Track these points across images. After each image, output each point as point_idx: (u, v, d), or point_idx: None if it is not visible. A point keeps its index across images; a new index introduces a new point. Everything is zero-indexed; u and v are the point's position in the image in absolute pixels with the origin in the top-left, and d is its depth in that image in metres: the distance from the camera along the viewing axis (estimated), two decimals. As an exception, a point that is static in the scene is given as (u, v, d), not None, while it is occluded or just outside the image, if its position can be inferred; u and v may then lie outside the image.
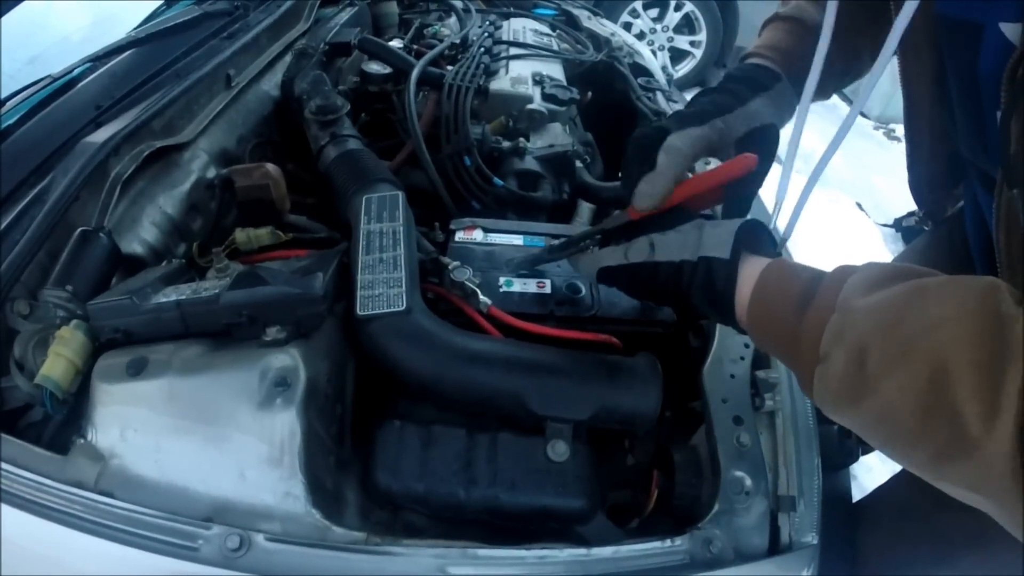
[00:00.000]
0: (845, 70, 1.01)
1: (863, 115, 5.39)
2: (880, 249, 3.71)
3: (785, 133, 0.94)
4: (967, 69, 0.75)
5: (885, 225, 3.90)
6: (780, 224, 0.93)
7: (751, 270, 0.73)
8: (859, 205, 4.18)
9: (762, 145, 0.88)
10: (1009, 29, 0.66)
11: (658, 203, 0.81)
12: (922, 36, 0.84)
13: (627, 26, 5.00)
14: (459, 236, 1.11)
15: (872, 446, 0.64)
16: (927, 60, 0.86)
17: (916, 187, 1.07)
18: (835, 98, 5.60)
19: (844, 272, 0.66)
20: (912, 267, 0.63)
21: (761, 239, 0.78)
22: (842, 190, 4.33)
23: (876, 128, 5.33)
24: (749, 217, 0.79)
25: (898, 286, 0.60)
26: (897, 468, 1.32)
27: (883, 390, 0.56)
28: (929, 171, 1.00)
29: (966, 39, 0.73)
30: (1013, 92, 0.62)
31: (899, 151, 0.95)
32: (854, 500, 1.42)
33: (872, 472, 2.19)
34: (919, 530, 1.16)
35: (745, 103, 0.89)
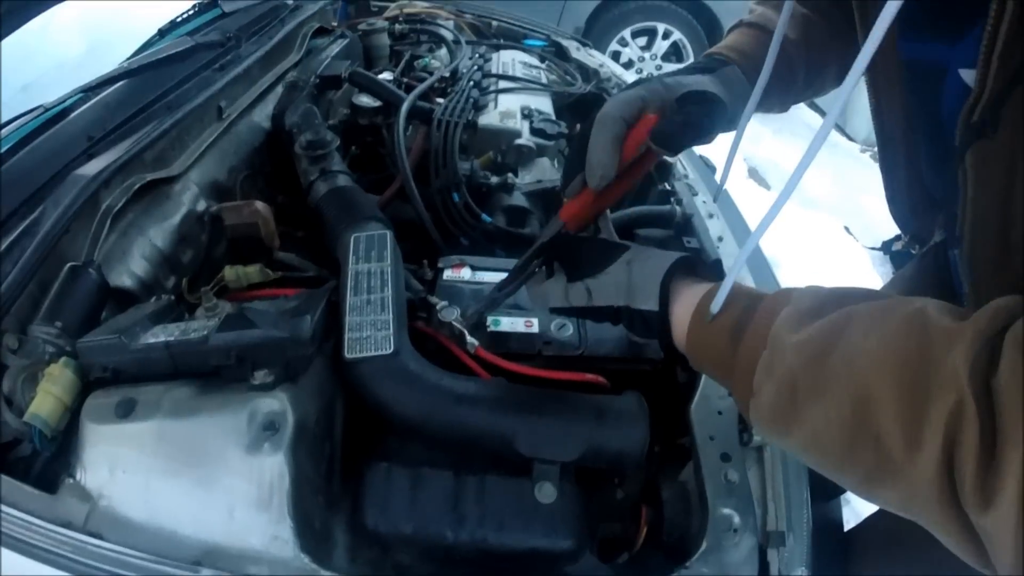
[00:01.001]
0: (807, 82, 1.02)
1: (849, 138, 5.45)
2: (869, 273, 3.74)
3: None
4: (931, 111, 0.78)
5: (873, 248, 3.92)
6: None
7: (688, 299, 0.74)
8: (847, 229, 4.22)
9: (701, 106, 0.84)
10: (968, 75, 0.68)
11: (608, 172, 0.82)
12: (892, 72, 0.85)
13: (616, 55, 5.06)
14: (447, 274, 1.12)
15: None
16: (897, 96, 0.88)
17: (898, 215, 1.08)
18: (817, 118, 5.67)
19: (779, 302, 0.66)
20: (849, 291, 0.64)
21: (697, 264, 0.80)
22: (829, 213, 4.36)
23: (863, 151, 5.39)
24: (678, 253, 0.79)
25: (829, 316, 0.61)
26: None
27: (810, 420, 0.58)
28: (909, 200, 1.02)
29: (929, 82, 0.76)
30: (967, 136, 0.64)
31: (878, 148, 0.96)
32: (847, 528, 1.43)
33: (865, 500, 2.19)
34: (910, 558, 1.17)
35: (687, 75, 0.91)
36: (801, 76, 1.00)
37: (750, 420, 0.66)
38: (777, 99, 1.00)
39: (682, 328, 0.74)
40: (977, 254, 0.71)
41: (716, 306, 0.69)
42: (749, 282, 1.28)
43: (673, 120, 0.81)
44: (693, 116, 0.82)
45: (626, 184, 0.90)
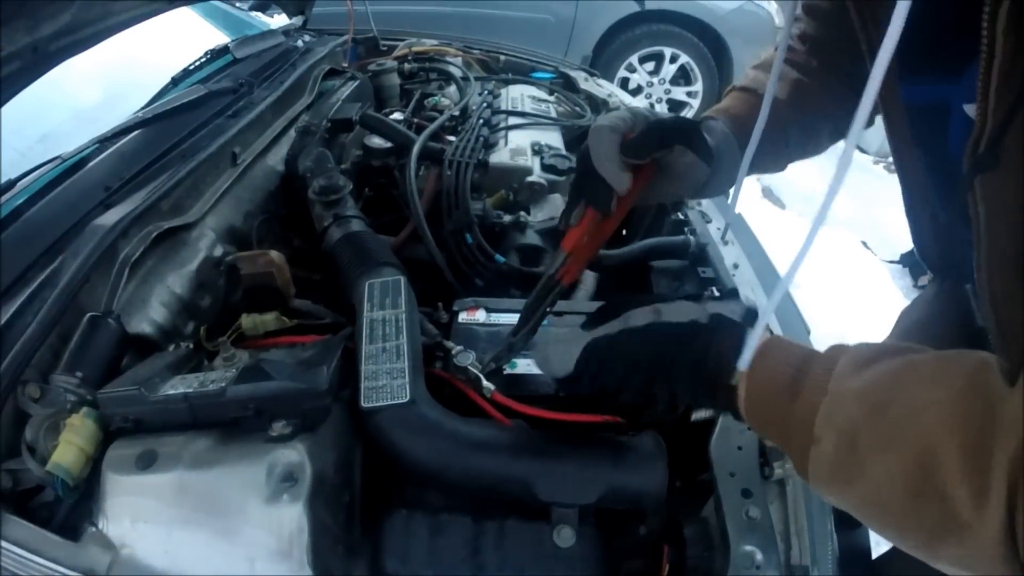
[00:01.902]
0: (800, 143, 1.04)
1: (862, 150, 5.43)
2: (889, 286, 3.70)
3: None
4: (939, 149, 0.79)
5: (892, 262, 3.88)
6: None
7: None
8: (864, 244, 4.19)
9: (675, 123, 0.88)
10: (971, 109, 0.67)
11: (623, 180, 0.84)
12: (898, 117, 0.86)
13: (624, 81, 5.10)
14: (462, 317, 1.13)
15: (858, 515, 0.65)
16: (905, 140, 0.89)
17: (925, 255, 1.08)
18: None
19: (836, 352, 0.67)
20: (902, 345, 0.65)
21: (753, 320, 0.79)
22: (846, 228, 4.33)
23: (876, 162, 5.37)
24: (709, 308, 0.79)
25: (887, 363, 0.61)
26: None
27: (873, 474, 0.57)
28: (936, 243, 1.01)
29: (935, 122, 0.77)
30: (973, 170, 0.63)
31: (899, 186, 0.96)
32: (874, 554, 1.42)
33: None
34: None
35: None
36: (793, 137, 1.01)
37: (808, 475, 0.65)
38: (770, 159, 1.02)
39: (740, 376, 0.73)
40: (996, 288, 0.70)
41: (744, 362, 0.70)
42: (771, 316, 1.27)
43: (645, 130, 0.85)
44: (664, 129, 0.85)
45: (623, 209, 0.91)
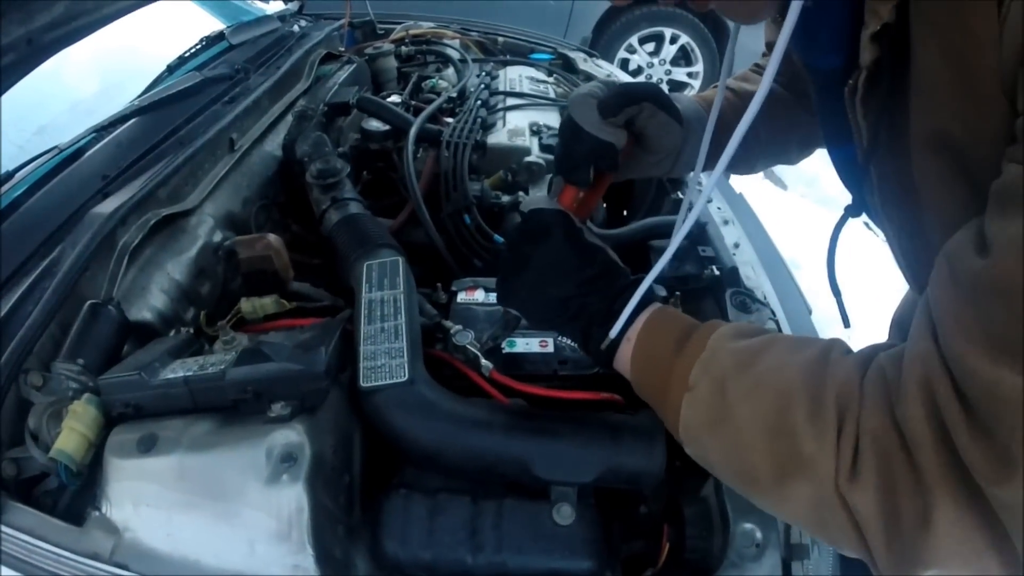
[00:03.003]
0: (771, 150, 1.10)
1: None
2: (891, 266, 3.69)
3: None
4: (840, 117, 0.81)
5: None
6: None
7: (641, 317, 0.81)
8: (867, 224, 4.17)
9: (652, 94, 0.91)
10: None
11: (615, 133, 0.87)
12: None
13: (624, 62, 5.07)
14: (461, 297, 1.13)
15: (723, 479, 0.77)
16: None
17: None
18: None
19: (718, 323, 0.77)
20: (773, 332, 0.77)
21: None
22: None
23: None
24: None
25: (760, 336, 0.72)
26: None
27: (738, 415, 0.67)
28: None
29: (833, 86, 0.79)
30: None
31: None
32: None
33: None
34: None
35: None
36: (762, 137, 1.05)
37: (680, 427, 0.73)
38: (740, 160, 1.07)
39: (628, 346, 0.80)
40: (894, 222, 0.80)
41: (616, 329, 0.79)
42: (768, 289, 1.28)
43: (616, 89, 0.89)
44: (632, 87, 0.90)
45: (603, 184, 0.95)
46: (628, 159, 0.96)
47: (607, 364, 0.82)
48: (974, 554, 0.54)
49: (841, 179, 0.92)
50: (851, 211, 0.89)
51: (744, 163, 1.10)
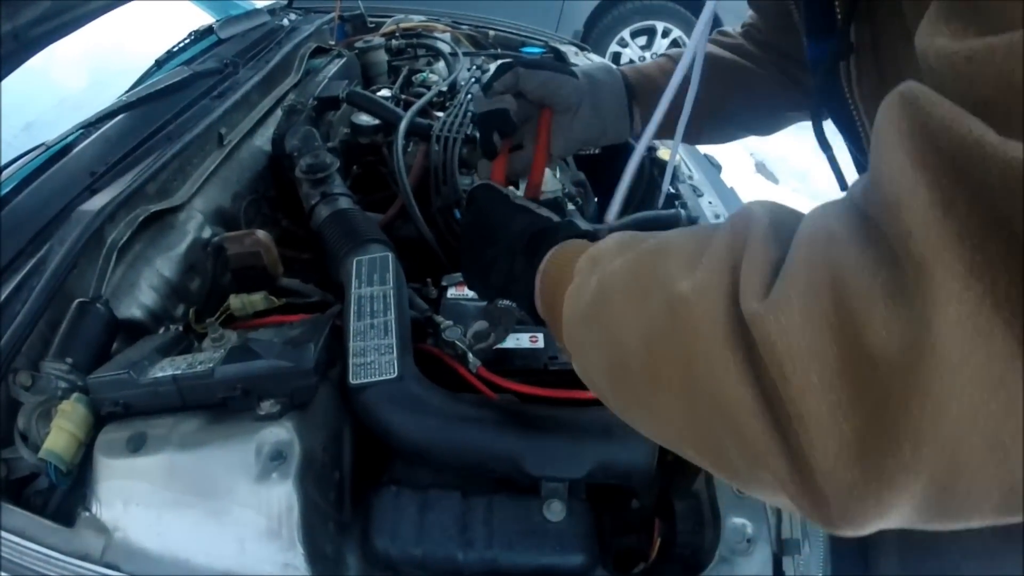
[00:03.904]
0: (747, 123, 1.16)
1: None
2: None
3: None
4: (840, 103, 0.82)
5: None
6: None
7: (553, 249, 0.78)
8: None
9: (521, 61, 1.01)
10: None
11: (503, 99, 0.97)
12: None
13: (616, 56, 5.07)
14: (451, 292, 1.13)
15: (604, 389, 0.64)
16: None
17: None
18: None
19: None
20: None
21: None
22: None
23: (868, 142, 5.34)
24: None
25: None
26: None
27: (611, 289, 0.58)
28: None
29: (831, 73, 0.80)
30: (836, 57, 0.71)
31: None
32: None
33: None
34: (923, 544, 1.17)
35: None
36: (736, 115, 1.11)
37: (563, 324, 0.66)
38: (711, 130, 1.13)
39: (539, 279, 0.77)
40: None
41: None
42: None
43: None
44: (502, 63, 0.98)
45: (543, 137, 1.02)
46: (558, 128, 1.03)
47: (529, 308, 0.79)
48: (1001, 363, 0.31)
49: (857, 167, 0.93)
50: None
51: (719, 136, 1.15)
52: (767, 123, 1.20)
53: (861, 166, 0.87)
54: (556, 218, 0.83)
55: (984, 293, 0.31)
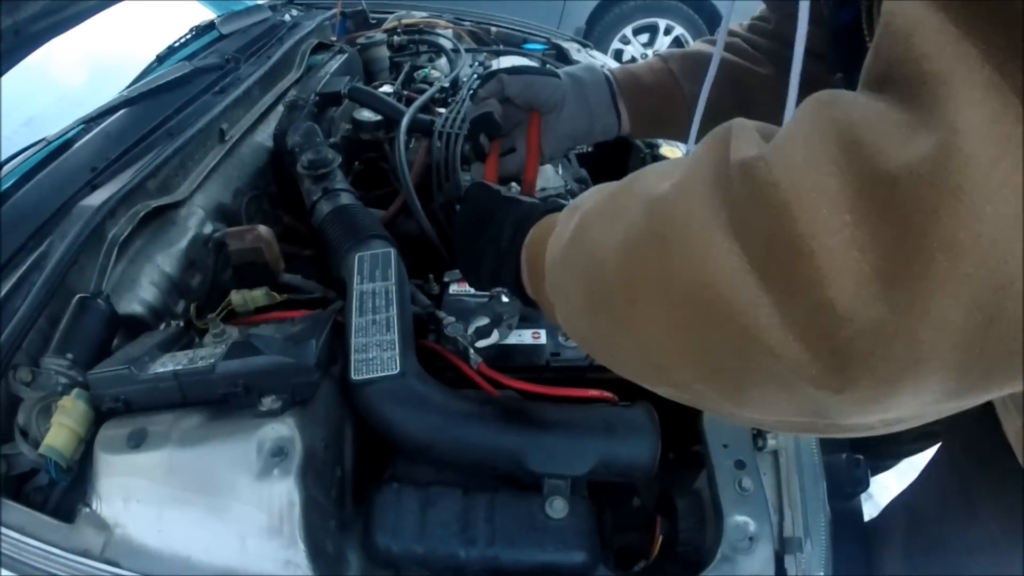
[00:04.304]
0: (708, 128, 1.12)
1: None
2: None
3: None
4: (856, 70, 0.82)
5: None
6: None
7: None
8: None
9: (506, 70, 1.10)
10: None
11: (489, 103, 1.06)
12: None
13: (618, 53, 5.06)
14: (453, 288, 1.12)
15: (595, 342, 0.61)
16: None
17: None
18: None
19: None
20: None
21: None
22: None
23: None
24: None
25: None
26: (906, 483, 1.33)
27: (589, 224, 0.57)
28: None
29: (853, 40, 0.80)
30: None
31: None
32: (868, 519, 1.42)
33: (888, 490, 2.17)
34: (928, 542, 1.17)
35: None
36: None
37: (545, 270, 0.66)
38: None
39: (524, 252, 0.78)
40: None
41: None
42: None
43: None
44: (488, 72, 1.07)
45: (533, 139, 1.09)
46: (546, 128, 1.10)
47: (519, 289, 0.81)
48: None
49: None
50: None
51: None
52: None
53: None
54: (543, 204, 0.84)
55: (1006, 103, 0.29)
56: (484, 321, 0.96)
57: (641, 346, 0.52)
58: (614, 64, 2.25)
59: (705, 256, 0.40)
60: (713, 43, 1.14)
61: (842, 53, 0.86)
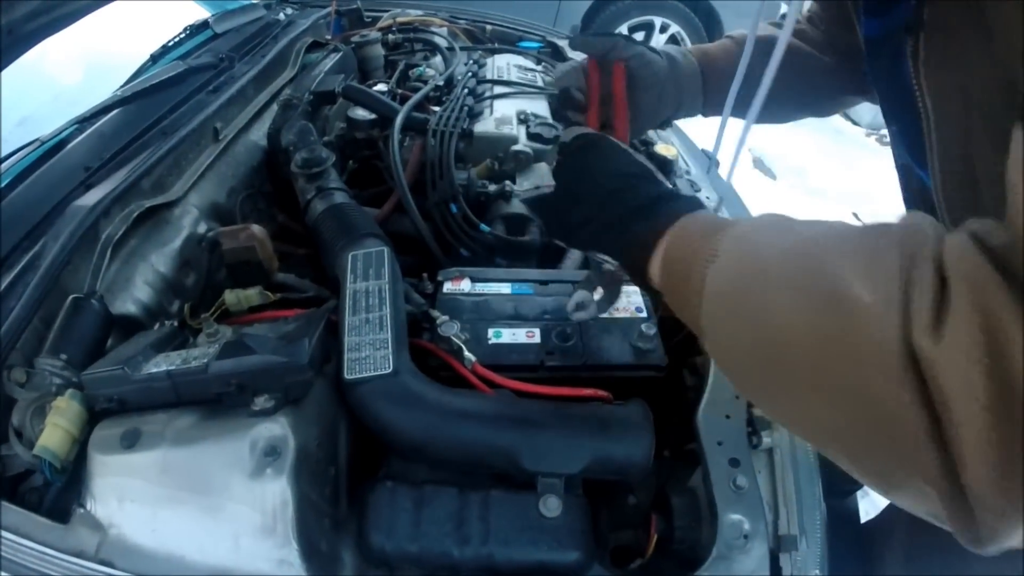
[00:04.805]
0: (801, 105, 1.20)
1: (853, 122, 5.42)
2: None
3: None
4: (897, 80, 0.80)
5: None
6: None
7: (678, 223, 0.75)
8: (855, 215, 4.20)
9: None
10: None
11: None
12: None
13: (614, 49, 5.03)
14: (447, 287, 1.12)
15: (749, 382, 0.62)
16: (882, 78, 0.90)
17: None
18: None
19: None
20: None
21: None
22: (837, 202, 4.34)
23: (868, 135, 5.36)
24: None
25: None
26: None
27: (769, 274, 0.56)
28: (907, 190, 1.02)
29: (891, 50, 0.79)
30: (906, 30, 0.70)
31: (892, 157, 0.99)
32: (865, 519, 1.42)
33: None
34: (930, 543, 1.17)
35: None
36: (788, 96, 1.06)
37: (702, 303, 0.63)
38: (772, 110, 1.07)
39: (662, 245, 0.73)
40: (949, 190, 0.74)
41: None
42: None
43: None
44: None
45: (620, 102, 1.03)
46: (644, 103, 1.07)
47: (642, 271, 0.75)
48: None
49: (897, 154, 0.93)
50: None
51: (771, 112, 1.10)
52: (825, 105, 1.26)
53: (917, 148, 0.85)
54: (670, 185, 0.83)
55: None
56: (584, 296, 0.98)
57: (805, 418, 0.55)
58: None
59: (897, 397, 0.43)
60: (778, 27, 1.14)
61: (878, 68, 0.85)
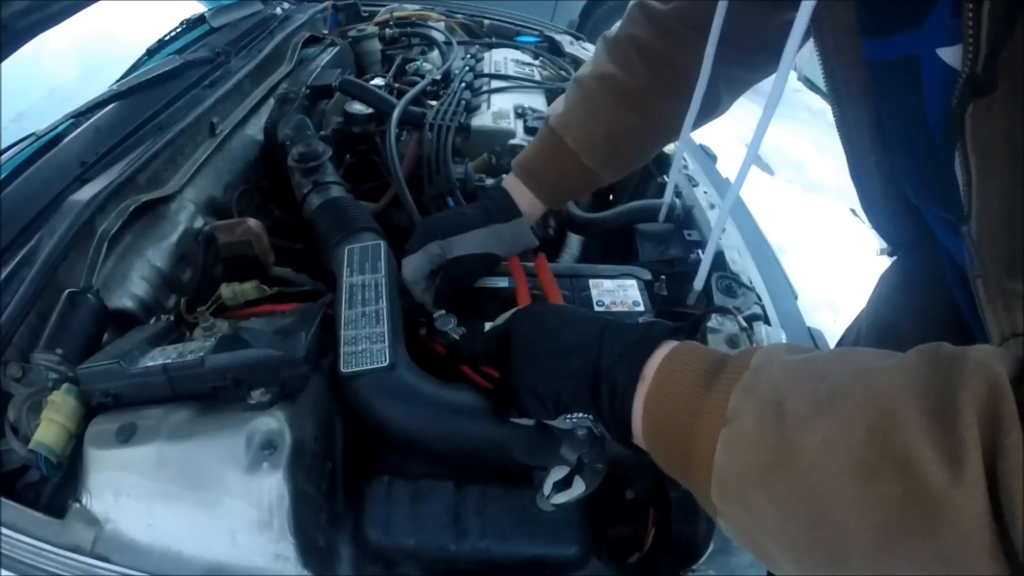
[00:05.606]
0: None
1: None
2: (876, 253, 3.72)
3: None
4: (911, 109, 0.71)
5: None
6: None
7: (657, 352, 0.66)
8: (853, 211, 4.19)
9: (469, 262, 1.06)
10: (948, 54, 0.61)
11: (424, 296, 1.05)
12: (857, 87, 0.80)
13: (612, 44, 5.02)
14: (444, 282, 1.12)
15: (787, 562, 0.51)
16: (863, 109, 0.82)
17: (878, 225, 1.00)
18: (818, 99, 5.64)
19: (756, 347, 0.61)
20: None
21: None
22: (835, 197, 4.34)
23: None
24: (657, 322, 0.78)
25: (821, 351, 0.54)
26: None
27: (807, 450, 0.47)
28: (888, 209, 0.95)
29: (904, 77, 0.70)
30: (963, 101, 0.56)
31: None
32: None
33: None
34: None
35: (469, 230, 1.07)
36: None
37: (713, 476, 0.53)
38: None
39: (648, 375, 0.64)
40: (991, 251, 0.60)
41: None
42: (754, 273, 1.28)
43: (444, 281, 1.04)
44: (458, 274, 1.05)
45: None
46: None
47: (624, 430, 0.66)
48: None
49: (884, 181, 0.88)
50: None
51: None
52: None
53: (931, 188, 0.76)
54: (654, 325, 0.71)
55: None
56: (564, 471, 0.78)
57: None
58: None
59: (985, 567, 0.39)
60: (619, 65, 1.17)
61: (891, 96, 0.76)
